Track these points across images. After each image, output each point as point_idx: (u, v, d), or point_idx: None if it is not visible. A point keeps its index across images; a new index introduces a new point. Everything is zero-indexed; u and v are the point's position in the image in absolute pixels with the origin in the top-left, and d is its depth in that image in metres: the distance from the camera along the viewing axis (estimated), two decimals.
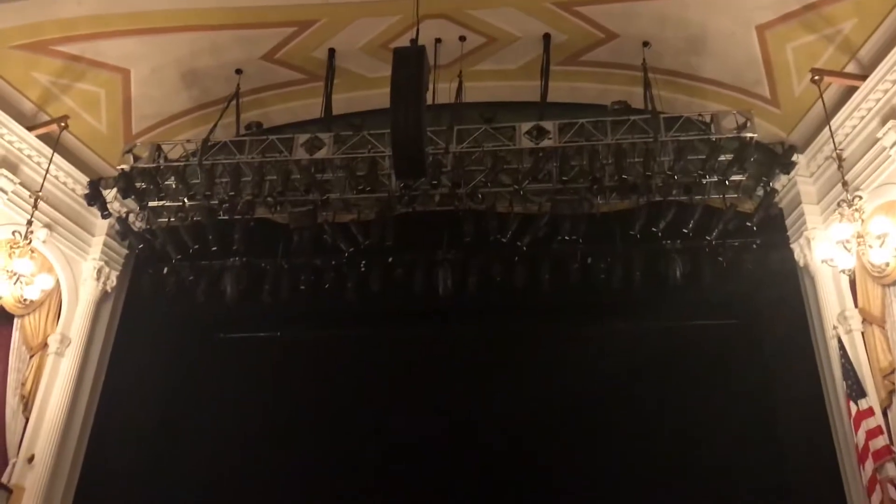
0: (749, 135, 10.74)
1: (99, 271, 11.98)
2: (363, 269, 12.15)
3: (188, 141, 12.21)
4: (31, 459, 10.38)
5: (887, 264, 9.32)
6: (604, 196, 11.60)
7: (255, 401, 12.82)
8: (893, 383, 9.37)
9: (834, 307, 10.37)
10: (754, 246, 11.56)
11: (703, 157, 11.06)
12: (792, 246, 11.25)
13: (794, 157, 11.15)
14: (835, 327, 10.21)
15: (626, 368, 12.36)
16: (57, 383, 11.02)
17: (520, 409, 12.43)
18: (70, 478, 10.86)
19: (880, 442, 9.21)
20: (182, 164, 11.88)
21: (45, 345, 11.08)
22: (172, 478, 12.22)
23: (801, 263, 11.04)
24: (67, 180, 11.84)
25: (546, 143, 11.12)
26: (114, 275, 12.26)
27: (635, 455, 11.85)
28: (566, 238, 11.68)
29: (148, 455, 12.10)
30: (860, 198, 9.65)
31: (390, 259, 12.12)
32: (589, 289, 11.92)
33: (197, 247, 12.13)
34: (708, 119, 11.07)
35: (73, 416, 11.08)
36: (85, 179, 12.01)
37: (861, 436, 9.32)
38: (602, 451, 12.02)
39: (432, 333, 13.23)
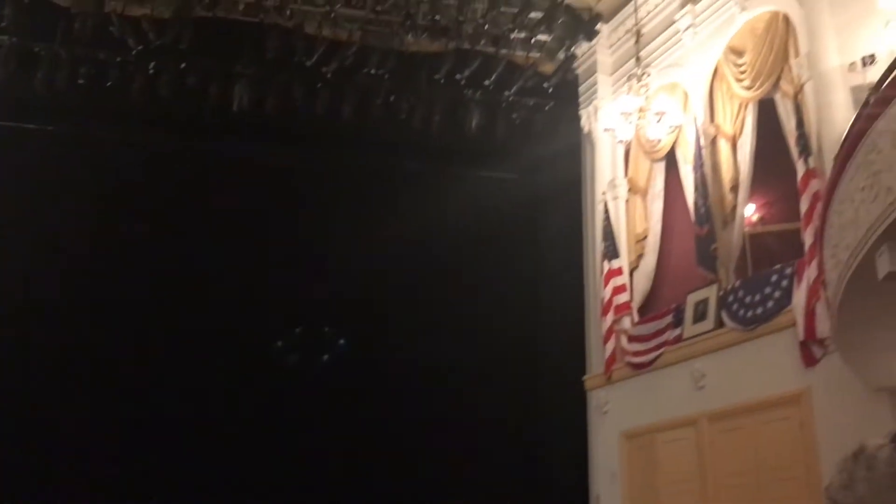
0: None
1: None
2: (152, 70, 11.36)
3: None
4: None
5: (660, 140, 10.13)
6: (415, 34, 11.52)
7: (18, 193, 11.80)
8: (643, 248, 10.42)
9: (607, 174, 11.20)
10: (547, 108, 12.10)
11: (516, 10, 11.20)
12: (581, 112, 11.85)
13: (598, 26, 11.57)
14: (604, 193, 11.07)
15: (416, 206, 12.65)
16: None
17: (298, 238, 12.42)
18: None
19: (623, 298, 10.32)
20: None
21: None
22: None
23: (586, 130, 11.70)
24: None
25: None
26: None
27: (408, 291, 12.38)
28: (372, 71, 11.58)
29: None
30: (648, 75, 10.23)
31: (183, 65, 11.40)
32: (389, 126, 12.00)
33: None
34: None
35: None
36: None
37: (608, 291, 10.38)
38: (377, 288, 12.39)
39: (222, 150, 12.75)
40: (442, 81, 11.69)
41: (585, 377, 10.78)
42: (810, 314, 7.42)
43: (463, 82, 11.73)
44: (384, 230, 12.50)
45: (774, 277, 8.12)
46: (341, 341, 12.16)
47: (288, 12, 11.08)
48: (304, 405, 11.91)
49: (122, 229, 12.06)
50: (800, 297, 7.63)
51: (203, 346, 11.84)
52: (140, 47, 11.12)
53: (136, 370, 11.58)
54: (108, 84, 11.27)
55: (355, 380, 12.03)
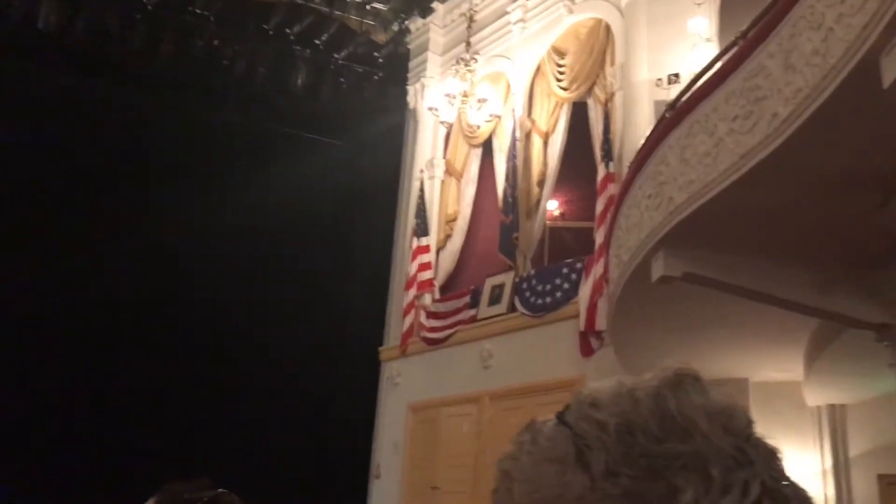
0: None
1: None
2: None
3: None
4: None
5: (479, 127, 10.39)
6: None
7: None
8: (452, 229, 10.68)
9: (427, 153, 11.36)
10: (376, 77, 12.06)
11: None
12: (408, 87, 11.92)
13: (434, 4, 11.66)
14: (422, 171, 11.21)
15: (230, 159, 12.15)
16: None
17: (92, 178, 11.62)
18: None
19: (427, 275, 10.54)
20: None
21: None
22: None
23: (411, 106, 11.79)
24: None
25: None
26: None
27: (215, 248, 11.90)
28: (198, 11, 11.02)
29: None
30: (476, 61, 10.47)
31: None
32: (210, 71, 11.48)
33: None
34: None
35: None
36: None
37: (414, 266, 10.57)
38: (180, 243, 11.83)
39: (21, 70, 11.69)
40: (271, 33, 11.33)
41: (381, 348, 10.94)
42: (592, 308, 7.93)
43: (292, 37, 11.44)
44: (195, 180, 11.96)
45: (565, 270, 8.60)
46: None
47: None
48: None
49: None
50: (585, 291, 8.13)
51: None
52: None
53: None
54: None
55: (157, 343, 11.43)
